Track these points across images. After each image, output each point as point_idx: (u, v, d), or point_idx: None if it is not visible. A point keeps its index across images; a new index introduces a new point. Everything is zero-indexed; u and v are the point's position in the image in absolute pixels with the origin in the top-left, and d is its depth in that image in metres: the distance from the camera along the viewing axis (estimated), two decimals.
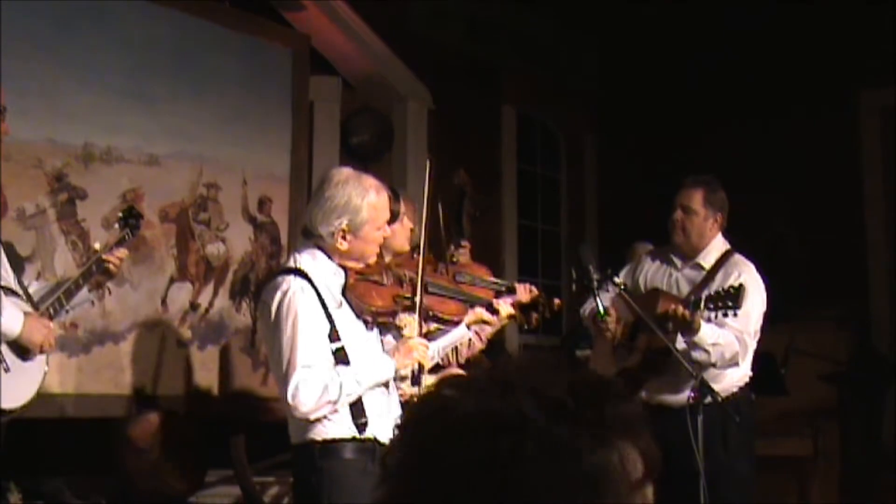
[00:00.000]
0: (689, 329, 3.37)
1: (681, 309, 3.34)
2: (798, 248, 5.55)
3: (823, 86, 5.78)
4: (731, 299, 3.26)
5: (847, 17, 5.67)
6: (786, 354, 4.79)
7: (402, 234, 3.31)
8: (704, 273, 3.63)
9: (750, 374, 3.66)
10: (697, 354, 3.41)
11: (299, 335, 2.64)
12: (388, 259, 3.31)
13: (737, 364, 3.52)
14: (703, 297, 3.36)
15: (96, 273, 3.12)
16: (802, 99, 5.83)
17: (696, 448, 3.19)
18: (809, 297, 5.26)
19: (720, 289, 3.37)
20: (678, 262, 3.71)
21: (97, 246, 3.27)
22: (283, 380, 2.64)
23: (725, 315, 3.32)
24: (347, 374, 2.69)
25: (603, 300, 3.44)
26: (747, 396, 3.65)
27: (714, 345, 3.40)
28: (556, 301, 3.57)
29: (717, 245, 3.67)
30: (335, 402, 2.65)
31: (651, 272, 3.77)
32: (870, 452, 5.43)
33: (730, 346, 3.43)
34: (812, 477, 5.18)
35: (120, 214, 3.37)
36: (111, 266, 3.12)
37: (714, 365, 3.46)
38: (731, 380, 3.57)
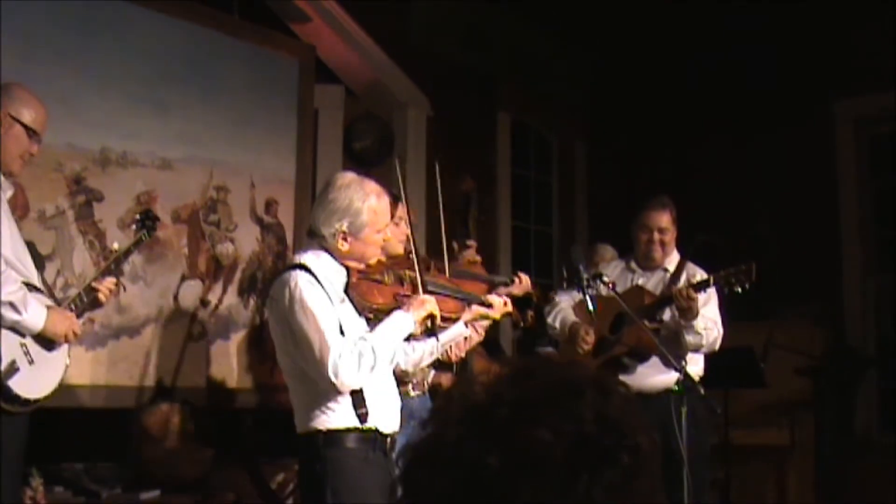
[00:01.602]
0: (691, 313, 3.67)
1: (689, 291, 3.65)
2: (777, 250, 5.60)
3: (800, 95, 5.87)
4: (745, 275, 3.58)
5: (823, 27, 5.77)
6: (765, 349, 4.85)
7: (396, 238, 3.33)
8: (670, 275, 3.95)
9: (703, 370, 3.92)
10: (690, 337, 3.74)
11: (320, 319, 2.66)
12: (382, 260, 3.30)
13: (715, 349, 3.83)
14: (712, 277, 3.67)
15: (86, 302, 3.07)
16: (781, 109, 5.92)
17: (679, 438, 3.33)
18: (787, 296, 5.36)
19: (730, 269, 3.64)
20: (638, 269, 4.04)
21: (115, 246, 3.30)
22: (319, 363, 2.64)
23: (739, 291, 3.61)
24: (375, 338, 2.73)
25: (591, 297, 3.57)
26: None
27: (705, 329, 3.73)
28: (552, 295, 3.73)
29: (675, 253, 4.05)
30: (374, 367, 2.69)
31: (613, 278, 3.93)
32: (843, 442, 5.52)
33: (712, 331, 3.77)
34: (789, 465, 5.24)
35: (137, 217, 3.39)
36: (100, 295, 3.08)
37: (701, 348, 3.78)
38: (696, 367, 3.82)
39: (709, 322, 3.77)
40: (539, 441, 0.77)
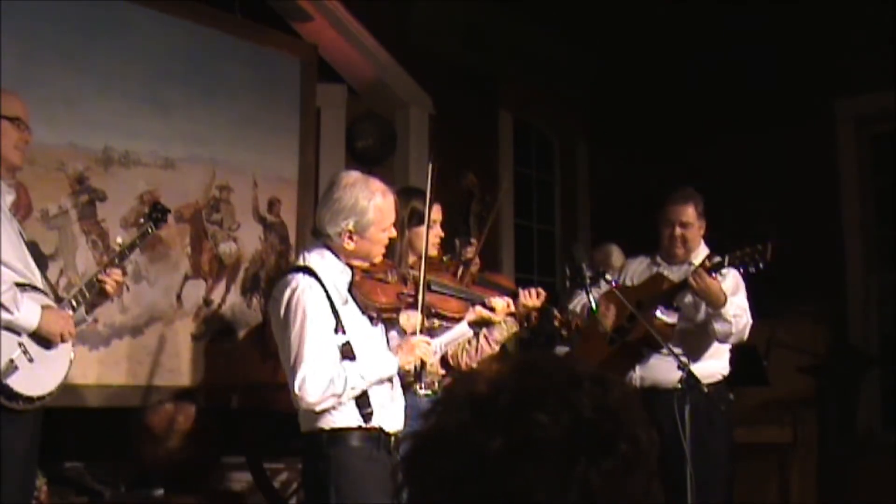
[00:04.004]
0: (713, 298, 3.55)
1: (702, 272, 3.53)
2: (779, 247, 5.67)
3: (800, 95, 5.88)
4: (759, 254, 3.45)
5: (823, 27, 5.78)
6: (767, 347, 4.86)
7: (432, 241, 3.30)
8: (694, 269, 3.77)
9: (728, 368, 3.84)
10: (719, 325, 3.62)
11: (307, 330, 2.68)
12: (412, 260, 3.31)
13: (744, 337, 3.72)
14: (726, 258, 3.53)
15: (88, 298, 3.05)
16: (781, 108, 5.92)
17: (682, 435, 3.30)
18: (789, 293, 5.31)
19: (745, 247, 3.52)
20: (664, 264, 3.92)
21: (119, 240, 3.29)
22: (291, 372, 2.68)
23: (753, 270, 3.49)
24: (352, 369, 2.72)
25: (595, 295, 3.55)
26: (726, 388, 3.80)
27: (735, 316, 3.60)
28: (576, 322, 3.61)
29: (702, 247, 3.89)
30: (339, 396, 2.69)
31: (638, 273, 3.95)
32: (845, 439, 5.52)
33: (742, 317, 3.64)
34: (791, 462, 5.24)
35: (146, 210, 3.37)
36: (107, 287, 3.06)
37: (730, 336, 3.65)
38: (714, 369, 3.76)
39: (738, 309, 3.64)
40: (537, 424, 0.79)
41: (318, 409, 2.70)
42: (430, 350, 2.93)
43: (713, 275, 3.56)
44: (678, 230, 3.84)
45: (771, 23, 5.85)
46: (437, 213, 3.41)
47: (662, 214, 3.89)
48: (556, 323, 3.46)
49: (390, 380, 2.87)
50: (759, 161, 6.03)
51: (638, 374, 3.76)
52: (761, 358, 4.75)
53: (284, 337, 2.74)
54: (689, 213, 3.84)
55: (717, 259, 3.60)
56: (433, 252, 3.38)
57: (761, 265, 3.48)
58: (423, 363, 2.89)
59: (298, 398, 2.68)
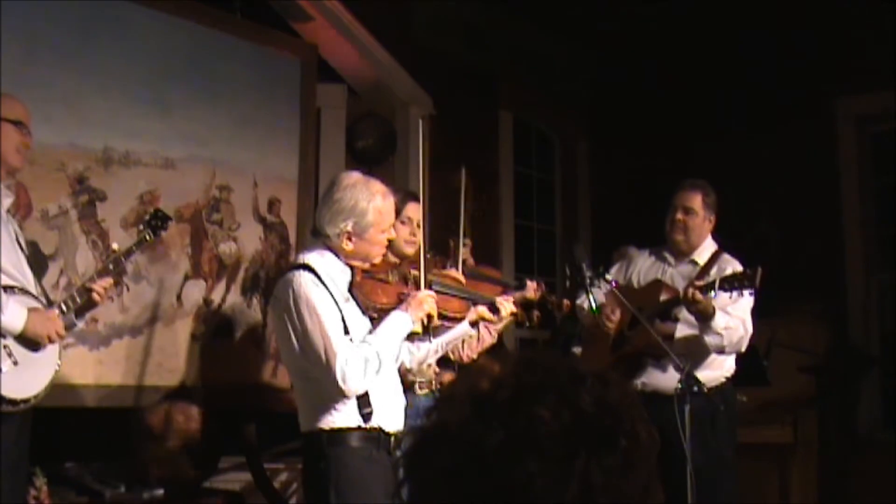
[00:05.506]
0: (706, 314, 3.52)
1: (699, 294, 3.48)
2: (780, 247, 5.68)
3: (801, 94, 5.88)
4: (748, 279, 3.41)
5: (823, 26, 5.79)
6: (768, 347, 4.84)
7: (402, 238, 3.35)
8: (699, 268, 3.78)
9: (735, 367, 3.82)
10: (710, 339, 3.58)
11: (325, 322, 2.67)
12: (400, 263, 3.31)
13: (741, 349, 3.69)
14: (718, 279, 3.50)
15: (79, 303, 3.06)
16: (782, 107, 5.93)
17: (682, 435, 3.29)
18: (790, 293, 5.30)
19: (734, 271, 3.51)
20: (671, 259, 3.87)
21: (115, 246, 3.30)
22: (326, 368, 2.66)
23: (741, 294, 3.47)
24: (377, 341, 2.75)
25: (597, 296, 3.56)
26: (732, 388, 3.81)
27: (726, 328, 3.56)
28: (566, 302, 3.62)
29: (709, 244, 3.85)
30: (378, 370, 2.72)
31: (644, 268, 3.91)
32: (846, 440, 5.53)
33: (737, 330, 3.60)
34: (792, 462, 5.21)
35: (147, 216, 3.38)
36: (95, 295, 3.07)
37: (723, 349, 3.62)
38: (720, 370, 3.75)
39: (733, 321, 3.60)
40: (538, 419, 0.79)
41: (363, 390, 2.71)
42: (434, 304, 2.90)
43: (705, 295, 3.52)
44: (680, 215, 3.78)
45: (771, 22, 5.84)
46: (413, 211, 3.41)
47: (670, 201, 3.84)
48: (550, 306, 3.47)
49: (396, 376, 2.84)
50: (759, 160, 6.03)
51: (640, 380, 3.74)
52: (761, 358, 4.74)
53: (302, 336, 2.71)
54: (695, 200, 3.78)
55: (709, 281, 3.58)
56: (409, 251, 3.39)
57: (750, 291, 3.46)
58: (430, 317, 2.88)
59: (345, 390, 2.68)
